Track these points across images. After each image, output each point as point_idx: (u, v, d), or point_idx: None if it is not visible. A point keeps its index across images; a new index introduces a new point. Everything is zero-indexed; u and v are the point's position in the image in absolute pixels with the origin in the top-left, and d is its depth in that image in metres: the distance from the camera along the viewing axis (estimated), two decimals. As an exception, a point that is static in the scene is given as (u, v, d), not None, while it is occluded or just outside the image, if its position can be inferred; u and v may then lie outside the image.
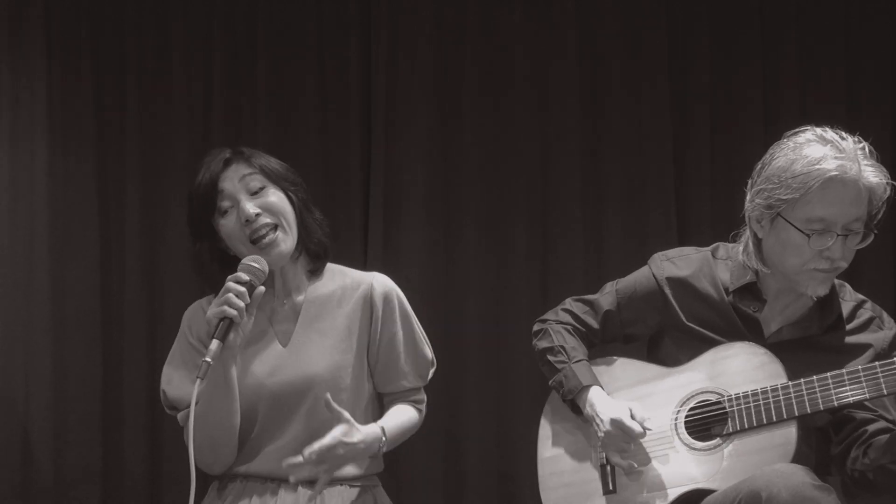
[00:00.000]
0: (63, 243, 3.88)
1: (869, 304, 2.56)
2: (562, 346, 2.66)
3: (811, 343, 2.50)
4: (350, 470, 2.55)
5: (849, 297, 2.56)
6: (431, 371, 2.71)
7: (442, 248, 4.02)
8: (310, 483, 2.49)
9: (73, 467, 3.82)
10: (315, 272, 2.64)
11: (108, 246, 3.93)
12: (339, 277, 2.66)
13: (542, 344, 2.71)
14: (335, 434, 2.41)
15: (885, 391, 2.31)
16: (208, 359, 2.30)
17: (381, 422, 2.57)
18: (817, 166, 2.35)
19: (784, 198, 2.38)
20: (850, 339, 2.50)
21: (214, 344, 2.33)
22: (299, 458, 2.39)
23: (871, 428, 2.45)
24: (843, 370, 2.35)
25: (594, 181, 4.06)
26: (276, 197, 2.53)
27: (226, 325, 2.35)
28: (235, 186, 2.51)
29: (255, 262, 2.42)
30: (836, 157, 2.36)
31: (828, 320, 2.51)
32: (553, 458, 2.67)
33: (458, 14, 4.06)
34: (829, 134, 2.42)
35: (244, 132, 3.99)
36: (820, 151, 2.37)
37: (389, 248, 3.97)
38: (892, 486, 2.39)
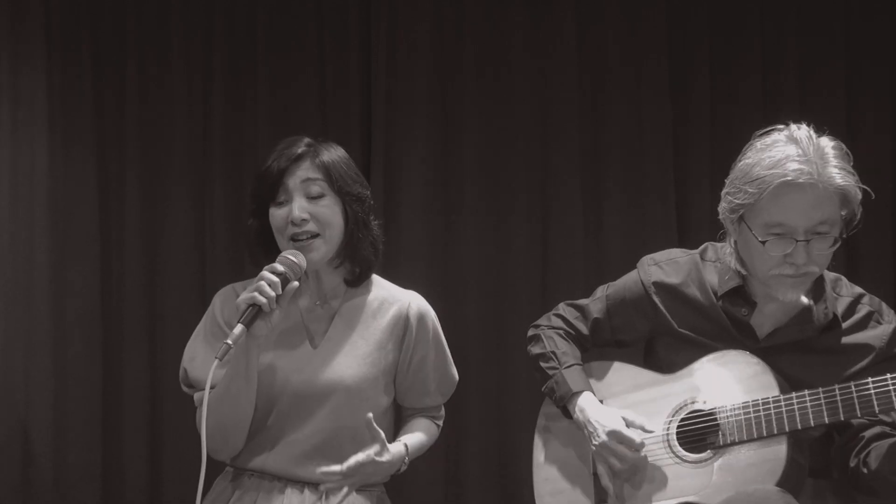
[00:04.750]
0: (63, 243, 3.88)
1: (867, 298, 2.48)
2: (553, 352, 2.63)
3: (807, 346, 2.44)
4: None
5: (845, 293, 2.48)
6: (454, 387, 2.74)
7: (442, 247, 4.02)
8: (316, 486, 2.49)
9: (73, 467, 3.81)
10: (353, 283, 2.63)
11: (108, 245, 3.93)
12: (377, 289, 2.66)
13: (535, 350, 2.69)
14: (370, 452, 2.43)
15: (875, 408, 2.24)
16: (229, 341, 2.29)
17: (404, 439, 2.59)
18: (772, 170, 2.30)
19: (742, 202, 2.34)
20: (847, 339, 2.43)
21: (238, 328, 2.32)
22: (336, 468, 2.41)
23: (868, 434, 2.40)
24: (835, 386, 2.29)
25: (594, 180, 4.06)
26: (329, 209, 2.53)
27: (253, 312, 2.35)
28: (297, 186, 2.52)
29: (293, 255, 2.44)
30: (795, 160, 2.29)
31: (822, 322, 2.44)
32: (547, 463, 2.66)
33: (457, 13, 4.06)
34: (801, 133, 2.35)
35: (244, 130, 3.99)
36: (781, 153, 2.31)
37: (389, 248, 3.93)
38: (894, 495, 2.36)
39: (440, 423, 2.73)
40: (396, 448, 2.52)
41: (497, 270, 4.02)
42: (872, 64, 4.13)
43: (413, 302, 2.64)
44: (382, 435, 2.44)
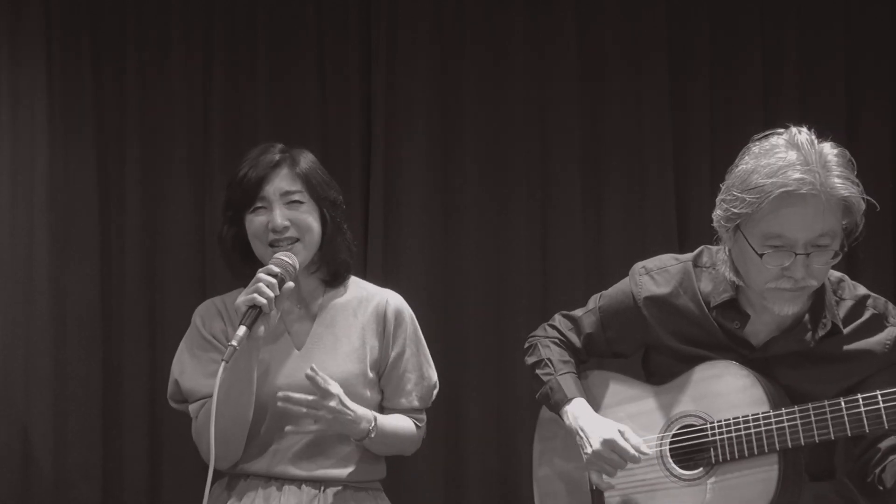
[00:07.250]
0: (63, 243, 3.88)
1: (871, 301, 2.37)
2: (549, 359, 2.60)
3: (806, 356, 2.35)
4: (352, 474, 2.57)
5: (847, 295, 2.38)
6: (434, 393, 2.73)
7: (442, 249, 4.01)
8: (314, 483, 2.51)
9: (73, 467, 3.81)
10: (331, 284, 2.66)
11: (108, 246, 3.93)
12: (355, 288, 2.69)
13: (531, 359, 2.67)
14: (335, 388, 2.43)
15: (866, 428, 2.18)
16: (234, 343, 2.31)
17: (375, 413, 2.59)
18: (772, 179, 2.18)
19: (739, 212, 2.23)
20: (850, 347, 2.34)
21: (242, 330, 2.34)
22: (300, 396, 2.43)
23: (884, 445, 2.31)
24: (825, 402, 2.22)
25: (594, 180, 4.05)
26: (309, 215, 2.56)
27: (254, 314, 2.37)
28: (276, 194, 2.55)
29: (287, 257, 2.46)
30: (796, 168, 2.18)
31: (821, 331, 2.34)
32: (546, 477, 2.65)
33: (457, 12, 4.06)
34: (802, 137, 2.23)
35: (244, 130, 3.99)
36: (781, 160, 2.19)
37: (389, 250, 3.96)
38: None
39: (422, 426, 2.71)
40: (362, 409, 2.52)
41: (497, 270, 4.01)
42: (873, 62, 4.12)
43: (391, 299, 2.67)
44: (334, 385, 2.44)
